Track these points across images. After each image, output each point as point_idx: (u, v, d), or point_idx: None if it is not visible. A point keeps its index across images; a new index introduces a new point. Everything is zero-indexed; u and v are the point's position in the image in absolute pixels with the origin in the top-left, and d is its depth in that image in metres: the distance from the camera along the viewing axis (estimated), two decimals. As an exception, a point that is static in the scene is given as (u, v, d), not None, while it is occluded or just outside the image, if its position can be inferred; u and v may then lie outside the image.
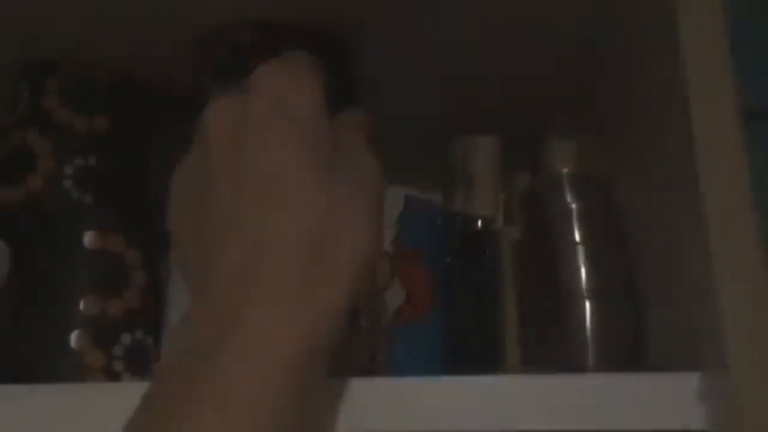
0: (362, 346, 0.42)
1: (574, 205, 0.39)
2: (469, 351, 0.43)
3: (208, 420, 0.23)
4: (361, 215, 0.27)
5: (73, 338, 0.36)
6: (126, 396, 0.25)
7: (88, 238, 0.38)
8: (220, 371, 0.24)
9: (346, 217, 0.27)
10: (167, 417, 0.23)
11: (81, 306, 0.36)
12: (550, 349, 0.37)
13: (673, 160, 0.33)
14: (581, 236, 0.38)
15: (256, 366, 0.24)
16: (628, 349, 0.36)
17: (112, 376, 0.36)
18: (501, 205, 0.47)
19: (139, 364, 0.37)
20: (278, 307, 0.25)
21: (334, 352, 0.27)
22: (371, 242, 0.27)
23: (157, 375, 0.26)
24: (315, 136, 0.28)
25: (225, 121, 0.28)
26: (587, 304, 0.36)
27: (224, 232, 0.26)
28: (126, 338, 0.37)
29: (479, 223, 0.46)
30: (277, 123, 0.27)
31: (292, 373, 0.24)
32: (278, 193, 0.26)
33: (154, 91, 0.45)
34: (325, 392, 0.30)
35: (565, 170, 0.40)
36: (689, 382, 0.29)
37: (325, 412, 0.30)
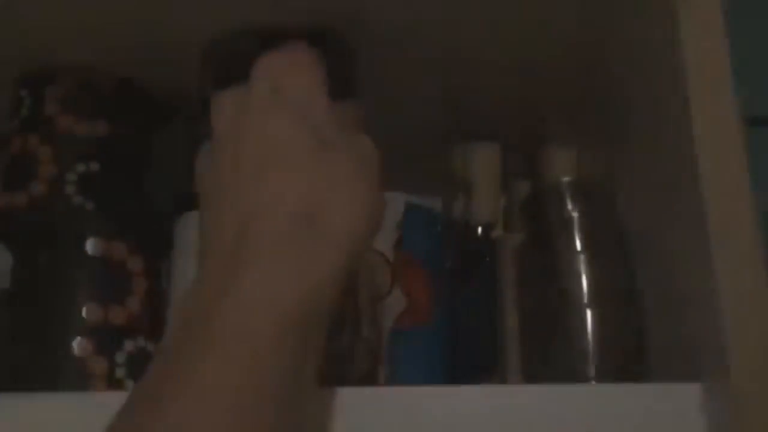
0: (363, 351, 0.42)
1: (574, 214, 0.39)
2: (469, 357, 0.43)
3: (196, 381, 0.24)
4: (357, 185, 0.28)
5: (76, 345, 0.36)
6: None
7: (91, 245, 0.38)
8: (212, 333, 0.24)
9: (342, 188, 0.28)
10: (166, 377, 0.24)
11: (83, 313, 0.36)
12: (551, 356, 0.38)
13: (674, 168, 0.33)
14: (582, 244, 0.38)
15: (247, 327, 0.24)
16: (628, 357, 0.36)
17: (115, 383, 0.36)
18: (501, 213, 0.47)
19: (141, 370, 0.36)
20: (271, 269, 0.26)
21: (328, 324, 0.27)
22: (366, 210, 0.28)
23: (161, 342, 0.28)
24: (313, 116, 0.29)
25: (229, 108, 0.30)
26: (588, 312, 0.36)
27: (223, 202, 0.28)
28: (128, 345, 0.37)
29: (479, 230, 0.46)
30: (276, 104, 0.29)
31: (283, 335, 0.25)
32: (275, 163, 0.28)
33: (154, 97, 0.45)
34: (326, 398, 0.30)
35: (566, 178, 0.40)
36: (690, 393, 0.30)
37: (325, 420, 0.30)
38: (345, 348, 0.41)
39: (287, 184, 0.27)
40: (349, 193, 0.28)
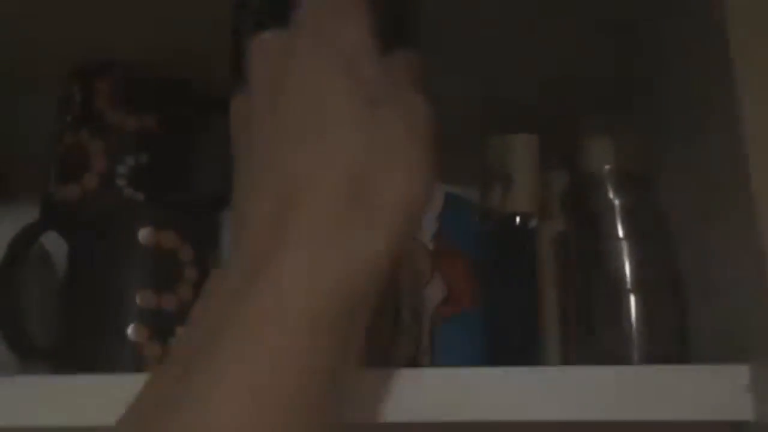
0: (404, 340, 0.43)
1: (616, 201, 0.39)
2: (509, 345, 0.44)
3: (226, 366, 0.22)
4: (408, 155, 0.25)
5: (131, 330, 0.37)
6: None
7: (143, 235, 0.39)
8: (244, 316, 0.22)
9: (391, 156, 0.24)
10: (191, 365, 0.22)
11: (137, 300, 0.38)
12: (595, 342, 0.38)
13: (720, 152, 0.33)
14: (624, 231, 0.38)
15: (281, 310, 0.22)
16: (672, 342, 0.37)
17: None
18: (538, 202, 0.47)
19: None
20: (310, 251, 0.23)
21: (374, 305, 0.25)
22: (418, 185, 0.25)
23: (188, 320, 0.25)
24: (360, 72, 0.26)
25: (267, 58, 0.26)
26: (632, 298, 0.37)
27: (260, 173, 0.25)
28: (180, 330, 0.38)
29: (517, 219, 0.46)
30: (320, 58, 0.25)
31: (321, 320, 0.23)
32: (316, 130, 0.25)
33: (199, 91, 0.46)
34: (372, 379, 0.31)
35: (607, 166, 0.40)
36: (738, 374, 0.30)
37: (371, 400, 0.31)
38: (387, 335, 0.42)
39: (332, 150, 0.24)
40: (401, 161, 0.24)
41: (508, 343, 0.43)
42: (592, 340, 0.38)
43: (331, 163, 0.24)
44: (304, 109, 0.25)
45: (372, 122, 0.25)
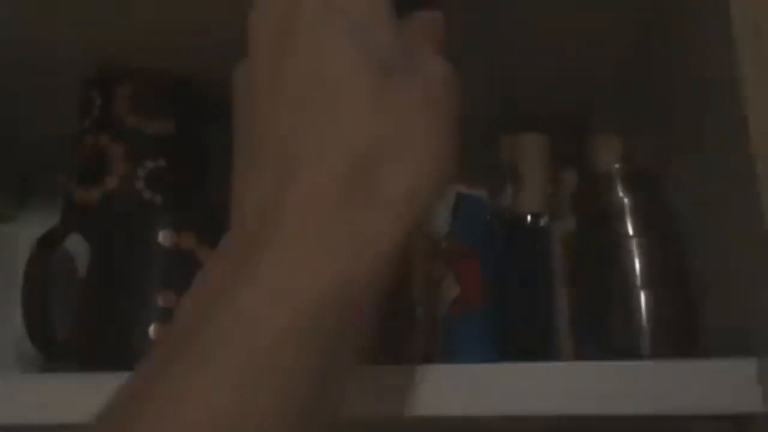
0: (417, 338, 0.43)
1: (626, 200, 0.40)
2: (521, 342, 0.44)
3: (193, 373, 0.20)
4: (425, 131, 0.22)
5: (152, 330, 0.38)
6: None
7: (163, 236, 0.40)
8: (227, 312, 0.20)
9: (406, 133, 0.22)
10: (169, 360, 0.21)
11: (159, 300, 0.38)
12: (606, 338, 0.38)
13: (726, 148, 0.33)
14: (635, 229, 0.39)
15: (268, 308, 0.20)
16: (681, 337, 0.37)
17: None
18: (548, 201, 0.47)
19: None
20: (306, 243, 0.21)
21: (380, 301, 0.22)
22: (436, 166, 0.22)
23: (173, 316, 0.23)
24: (372, 36, 0.23)
25: (270, 21, 0.24)
26: (642, 294, 0.37)
27: (259, 150, 0.23)
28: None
29: (528, 218, 0.47)
30: (326, 21, 0.23)
31: (314, 321, 0.20)
32: (320, 103, 0.22)
33: (213, 96, 0.47)
34: (385, 375, 0.31)
35: (616, 165, 0.41)
36: (746, 367, 0.30)
37: (385, 396, 0.31)
38: (400, 333, 0.42)
39: (336, 126, 0.22)
40: (416, 139, 0.22)
41: (520, 340, 0.44)
42: (603, 337, 0.39)
43: (333, 142, 0.22)
44: (307, 80, 0.22)
45: (384, 94, 0.22)
